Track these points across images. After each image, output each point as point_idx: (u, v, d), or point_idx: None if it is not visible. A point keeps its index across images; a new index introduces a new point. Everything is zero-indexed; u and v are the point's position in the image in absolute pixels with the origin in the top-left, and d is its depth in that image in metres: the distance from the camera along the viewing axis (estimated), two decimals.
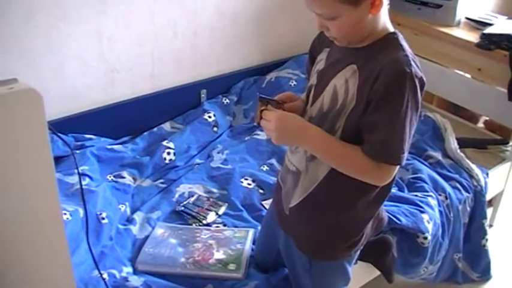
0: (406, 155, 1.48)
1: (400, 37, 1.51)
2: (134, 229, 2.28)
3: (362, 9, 1.42)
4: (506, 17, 3.47)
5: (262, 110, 1.59)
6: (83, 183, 2.35)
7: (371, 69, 1.44)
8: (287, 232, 1.81)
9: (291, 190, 1.72)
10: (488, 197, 2.90)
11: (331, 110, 1.55)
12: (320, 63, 1.66)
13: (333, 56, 1.61)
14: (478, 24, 3.35)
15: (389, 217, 2.32)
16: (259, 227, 2.30)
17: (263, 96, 1.63)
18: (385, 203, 2.35)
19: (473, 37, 3.22)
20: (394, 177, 1.59)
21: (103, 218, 2.22)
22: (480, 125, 3.63)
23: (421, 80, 1.44)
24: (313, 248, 1.75)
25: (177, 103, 3.04)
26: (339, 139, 1.53)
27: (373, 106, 1.44)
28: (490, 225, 3.17)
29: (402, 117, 1.42)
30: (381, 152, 1.47)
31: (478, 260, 2.84)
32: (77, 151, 2.59)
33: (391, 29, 1.53)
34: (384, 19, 1.51)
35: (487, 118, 3.58)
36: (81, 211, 2.13)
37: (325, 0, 1.41)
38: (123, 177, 2.57)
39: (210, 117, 3.00)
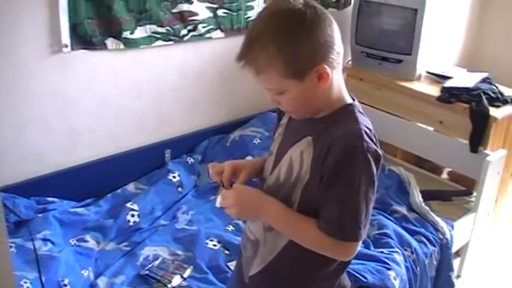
0: (364, 230, 1.44)
1: (357, 108, 1.49)
2: None
3: (309, 83, 1.40)
4: (466, 70, 3.57)
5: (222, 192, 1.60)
6: (45, 248, 2.32)
7: (323, 142, 1.42)
8: None
9: (250, 259, 1.68)
10: (454, 249, 2.93)
11: (286, 181, 1.53)
12: (281, 129, 1.66)
13: (292, 124, 1.60)
14: (439, 78, 3.44)
15: (355, 275, 2.33)
16: None
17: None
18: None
19: (434, 90, 3.32)
20: None
21: (65, 285, 2.17)
22: (444, 176, 3.67)
23: (374, 153, 1.40)
24: None
25: (141, 164, 3.03)
26: (297, 213, 1.51)
27: (325, 182, 1.42)
28: (458, 276, 3.18)
29: (355, 193, 1.40)
30: (336, 230, 1.43)
31: None
32: (39, 215, 2.54)
33: (348, 99, 1.51)
34: (339, 89, 1.49)
35: (451, 169, 3.62)
36: (43, 278, 2.08)
37: (270, 76, 1.40)
38: (86, 241, 2.53)
39: (174, 177, 2.98)
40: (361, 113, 1.49)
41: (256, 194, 1.57)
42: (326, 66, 1.39)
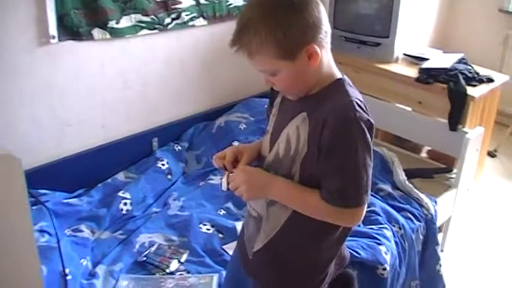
0: (368, 194, 1.51)
1: (347, 82, 1.56)
2: (98, 283, 2.26)
3: (300, 62, 1.47)
4: (442, 51, 3.66)
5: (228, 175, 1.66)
6: (43, 240, 2.33)
7: (317, 116, 1.49)
8: (252, 276, 1.83)
9: (254, 235, 1.75)
10: (438, 224, 3.01)
11: (285, 156, 1.59)
12: (275, 108, 1.72)
13: (286, 103, 1.66)
14: (416, 60, 3.52)
15: (349, 251, 2.39)
16: (223, 272, 2.31)
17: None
18: None
19: (412, 72, 3.39)
20: None
21: (66, 275, 2.19)
22: (423, 154, 3.76)
23: (367, 122, 1.47)
24: None
25: (129, 153, 3.06)
26: (302, 186, 1.57)
27: (324, 154, 1.48)
28: (441, 250, 3.27)
29: (354, 162, 1.46)
30: (340, 199, 1.50)
31: (434, 285, 2.93)
32: (33, 207, 2.55)
33: (338, 74, 1.58)
34: (329, 67, 1.55)
35: (430, 148, 3.71)
36: (44, 269, 2.10)
37: (262, 58, 1.47)
38: (82, 231, 2.55)
39: (163, 164, 3.02)
40: (350, 86, 1.56)
41: (261, 173, 1.63)
42: (315, 46, 1.46)
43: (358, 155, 1.46)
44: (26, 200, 1.28)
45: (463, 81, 3.19)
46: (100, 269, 2.35)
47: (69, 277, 2.18)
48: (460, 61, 3.42)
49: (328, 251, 1.71)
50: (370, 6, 3.50)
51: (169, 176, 3.01)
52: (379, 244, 2.51)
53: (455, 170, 3.26)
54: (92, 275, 2.32)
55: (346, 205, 1.50)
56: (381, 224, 2.67)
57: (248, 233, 1.79)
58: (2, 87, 2.52)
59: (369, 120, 1.48)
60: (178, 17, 3.01)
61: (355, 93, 1.53)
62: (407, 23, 3.49)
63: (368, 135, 1.47)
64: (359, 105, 1.48)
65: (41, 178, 2.70)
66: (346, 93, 1.51)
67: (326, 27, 1.50)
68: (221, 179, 1.70)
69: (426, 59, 3.46)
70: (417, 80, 3.29)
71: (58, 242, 2.33)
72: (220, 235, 2.58)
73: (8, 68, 2.51)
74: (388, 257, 2.49)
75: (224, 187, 1.67)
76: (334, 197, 1.49)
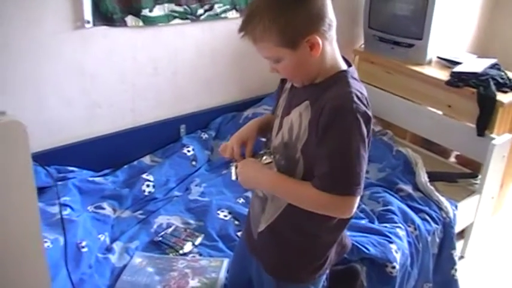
0: (359, 187, 1.54)
1: (350, 74, 1.60)
2: (113, 258, 2.35)
3: (301, 52, 1.53)
4: (476, 56, 3.64)
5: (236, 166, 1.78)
6: (65, 213, 2.43)
7: (318, 105, 1.55)
8: (256, 256, 1.91)
9: (259, 215, 1.83)
10: (458, 229, 3.01)
11: (289, 141, 1.66)
12: (284, 94, 1.79)
13: (294, 90, 1.73)
14: (449, 63, 3.51)
15: (358, 247, 2.43)
16: None
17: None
18: (355, 233, 2.48)
19: (443, 75, 3.39)
20: None
21: (83, 247, 2.29)
22: (452, 159, 3.74)
23: (364, 114, 1.51)
24: (279, 271, 1.83)
25: (156, 137, 3.15)
26: (294, 179, 1.64)
27: (318, 140, 1.54)
28: (462, 257, 3.27)
29: (345, 149, 1.51)
30: (328, 184, 1.53)
31: None
32: (59, 182, 2.67)
33: (343, 66, 1.63)
34: (333, 58, 1.60)
35: (458, 153, 3.69)
36: (61, 239, 2.20)
37: (265, 45, 1.54)
38: (103, 208, 2.65)
39: (189, 151, 3.10)
40: (354, 78, 1.61)
41: (256, 167, 1.72)
42: (317, 37, 1.52)
43: (350, 144, 1.50)
44: (31, 166, 1.36)
45: (493, 87, 3.17)
46: (117, 245, 2.44)
47: (85, 249, 2.28)
48: (493, 66, 3.40)
49: (328, 235, 1.78)
50: (405, 7, 3.49)
51: (193, 163, 3.08)
52: (390, 242, 2.53)
53: (480, 176, 3.24)
54: (109, 250, 2.41)
55: (336, 190, 1.53)
56: (396, 223, 2.68)
57: (254, 213, 1.88)
58: (36, 68, 2.63)
59: (366, 112, 1.53)
60: (211, 9, 3.08)
61: (356, 85, 1.58)
62: (443, 26, 3.48)
63: (364, 128, 1.51)
64: (358, 97, 1.53)
65: (70, 156, 2.83)
66: (347, 84, 1.56)
67: (330, 20, 1.56)
68: (231, 168, 1.80)
69: (459, 63, 3.44)
70: (447, 83, 3.29)
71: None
72: (236, 222, 2.64)
73: (43, 50, 2.62)
74: (398, 256, 2.51)
75: (233, 177, 1.78)
76: (323, 181, 1.54)
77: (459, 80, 3.26)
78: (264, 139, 1.89)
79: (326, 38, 1.55)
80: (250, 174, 1.73)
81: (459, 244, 3.19)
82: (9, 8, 2.45)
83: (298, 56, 1.54)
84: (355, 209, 1.60)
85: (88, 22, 2.67)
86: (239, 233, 2.56)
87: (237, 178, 1.77)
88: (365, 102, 1.55)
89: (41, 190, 2.54)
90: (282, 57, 1.56)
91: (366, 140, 1.54)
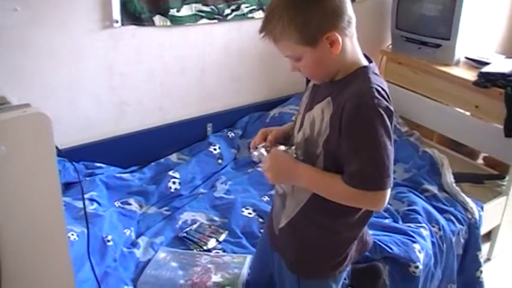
0: (389, 179, 1.55)
1: (371, 70, 1.62)
2: (138, 252, 2.40)
3: (321, 49, 1.55)
4: (504, 57, 3.61)
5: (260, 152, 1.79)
6: (91, 207, 2.49)
7: (340, 100, 1.56)
8: (277, 251, 1.93)
9: (280, 212, 1.85)
10: (484, 231, 2.99)
11: (310, 136, 1.67)
12: (307, 92, 1.81)
13: (316, 88, 1.75)
14: (477, 64, 3.48)
15: (381, 246, 2.43)
16: None
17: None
18: (378, 232, 2.49)
19: (471, 76, 3.35)
20: None
21: (108, 241, 2.34)
22: (479, 161, 3.72)
23: (386, 109, 1.52)
24: (300, 266, 1.85)
25: (184, 135, 3.20)
26: (326, 172, 1.64)
27: (343, 137, 1.55)
28: (488, 259, 3.24)
29: (372, 144, 1.52)
30: (360, 181, 1.55)
31: None
32: (87, 178, 2.74)
33: (364, 62, 1.64)
34: (353, 55, 1.62)
35: (486, 154, 3.66)
36: (86, 232, 2.25)
37: (285, 44, 1.57)
38: (130, 204, 2.71)
39: (215, 149, 3.13)
40: (375, 74, 1.62)
41: (288, 160, 1.71)
42: (336, 34, 1.54)
43: (376, 138, 1.52)
44: (55, 158, 1.40)
45: None
46: (142, 240, 2.48)
47: (110, 243, 2.33)
48: None
49: (348, 231, 1.79)
50: (432, 7, 3.48)
51: (219, 161, 3.12)
52: (414, 242, 2.53)
53: (507, 178, 3.21)
54: (134, 244, 2.46)
55: (367, 187, 1.55)
56: (420, 223, 2.68)
57: (275, 210, 1.91)
58: (66, 66, 2.70)
59: (388, 107, 1.54)
60: (237, 9, 3.12)
61: (377, 80, 1.59)
62: (470, 26, 3.46)
63: (387, 121, 1.53)
64: (379, 92, 1.54)
65: (99, 152, 2.89)
66: (368, 80, 1.58)
67: (349, 16, 1.57)
68: (254, 150, 1.81)
69: (487, 63, 3.42)
70: (475, 83, 3.26)
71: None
72: (261, 219, 2.66)
73: (73, 48, 2.69)
74: (421, 256, 2.50)
75: (255, 158, 1.80)
76: (354, 179, 1.55)
77: (487, 80, 3.23)
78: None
79: (346, 34, 1.57)
80: (280, 168, 1.71)
81: (485, 246, 3.17)
82: (48, 10, 2.55)
83: (318, 53, 1.56)
84: (387, 201, 1.61)
85: (116, 22, 2.73)
86: (262, 231, 2.58)
87: (259, 161, 1.79)
88: (386, 97, 1.56)
89: (69, 185, 2.61)
90: (302, 56, 1.58)
91: (391, 134, 1.55)
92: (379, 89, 1.55)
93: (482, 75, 3.29)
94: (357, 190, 1.55)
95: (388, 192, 1.58)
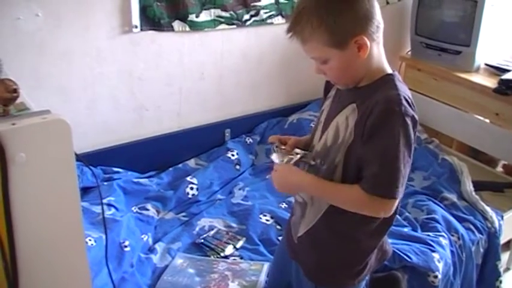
0: (400, 190, 1.55)
1: (397, 78, 1.61)
2: (155, 258, 2.40)
3: (349, 52, 1.54)
4: None
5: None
6: (109, 213, 2.50)
7: (366, 106, 1.55)
8: (296, 260, 1.92)
9: (299, 220, 1.84)
10: (504, 240, 2.95)
11: (333, 144, 1.66)
12: (329, 101, 1.79)
13: (339, 95, 1.73)
14: (497, 70, 3.45)
15: (400, 255, 2.41)
16: None
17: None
18: (397, 241, 2.47)
19: (491, 83, 3.32)
20: (396, 211, 1.68)
21: (125, 246, 2.34)
22: (499, 169, 3.68)
23: (412, 118, 1.52)
24: (319, 275, 1.84)
25: (202, 141, 3.20)
26: (332, 182, 1.65)
27: (365, 141, 1.54)
28: (508, 269, 3.20)
29: (393, 151, 1.51)
30: (373, 185, 1.55)
31: None
32: (105, 183, 2.74)
33: (389, 70, 1.63)
34: (379, 61, 1.61)
35: (506, 162, 3.62)
36: (103, 238, 2.25)
37: (314, 45, 1.56)
38: (147, 209, 2.70)
39: (233, 155, 3.13)
40: (400, 82, 1.61)
41: (295, 172, 1.73)
42: (365, 38, 1.52)
43: (398, 147, 1.51)
44: (74, 164, 1.40)
45: None
46: (159, 246, 2.49)
47: (127, 249, 2.33)
48: None
49: (368, 241, 1.77)
50: (453, 13, 3.45)
51: (237, 167, 3.11)
52: (433, 251, 2.50)
53: None
54: (151, 250, 2.46)
55: (378, 192, 1.55)
56: (439, 231, 2.65)
57: (294, 218, 1.90)
58: (86, 71, 2.72)
59: (414, 116, 1.53)
60: (256, 14, 3.12)
61: (403, 89, 1.58)
62: (491, 33, 3.42)
63: (411, 131, 1.52)
64: (406, 100, 1.53)
65: (117, 157, 2.90)
66: (395, 87, 1.57)
67: (378, 22, 1.57)
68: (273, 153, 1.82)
69: (508, 70, 3.38)
70: (495, 90, 3.23)
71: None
72: (278, 227, 2.65)
73: (92, 53, 2.70)
74: (440, 265, 2.48)
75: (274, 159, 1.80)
76: (369, 182, 1.55)
77: (507, 87, 3.20)
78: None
79: (374, 39, 1.56)
80: (286, 180, 1.74)
81: (505, 255, 3.13)
82: (68, 16, 2.57)
83: (346, 56, 1.55)
84: (393, 211, 1.61)
85: (136, 27, 2.74)
86: (280, 238, 2.57)
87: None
88: (412, 106, 1.55)
89: (87, 190, 2.62)
90: (329, 58, 1.57)
91: (412, 145, 1.54)
92: (406, 97, 1.54)
93: (502, 82, 3.25)
94: (366, 195, 1.55)
95: (396, 202, 1.59)
